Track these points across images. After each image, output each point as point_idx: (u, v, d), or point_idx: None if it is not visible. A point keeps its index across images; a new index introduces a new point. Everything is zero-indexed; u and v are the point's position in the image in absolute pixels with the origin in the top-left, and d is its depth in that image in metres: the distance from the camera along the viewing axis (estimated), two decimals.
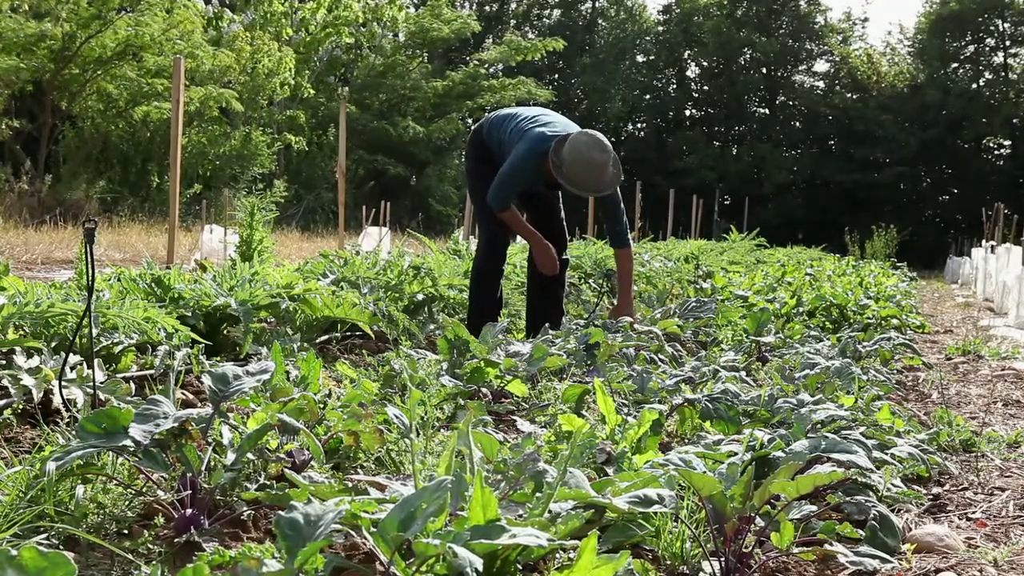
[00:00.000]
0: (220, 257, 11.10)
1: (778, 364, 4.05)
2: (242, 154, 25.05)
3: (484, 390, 3.43)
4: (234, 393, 2.11)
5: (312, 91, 29.47)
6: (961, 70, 44.63)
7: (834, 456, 2.09)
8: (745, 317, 5.23)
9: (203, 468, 1.94)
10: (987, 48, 44.73)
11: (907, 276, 14.98)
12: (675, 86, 48.20)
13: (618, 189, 4.79)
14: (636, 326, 4.76)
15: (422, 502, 1.47)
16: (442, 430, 2.81)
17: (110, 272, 4.21)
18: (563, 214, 5.18)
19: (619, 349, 3.96)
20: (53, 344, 3.16)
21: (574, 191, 4.55)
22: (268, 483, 2.12)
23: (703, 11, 46.28)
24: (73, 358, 2.82)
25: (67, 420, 2.57)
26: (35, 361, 2.82)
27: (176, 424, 1.94)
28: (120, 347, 3.31)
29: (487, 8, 46.70)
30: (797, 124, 46.59)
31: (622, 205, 4.89)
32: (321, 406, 2.55)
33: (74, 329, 3.07)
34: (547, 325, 4.52)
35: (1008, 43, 44.36)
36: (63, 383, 2.65)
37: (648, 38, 47.83)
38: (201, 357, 3.36)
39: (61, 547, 1.77)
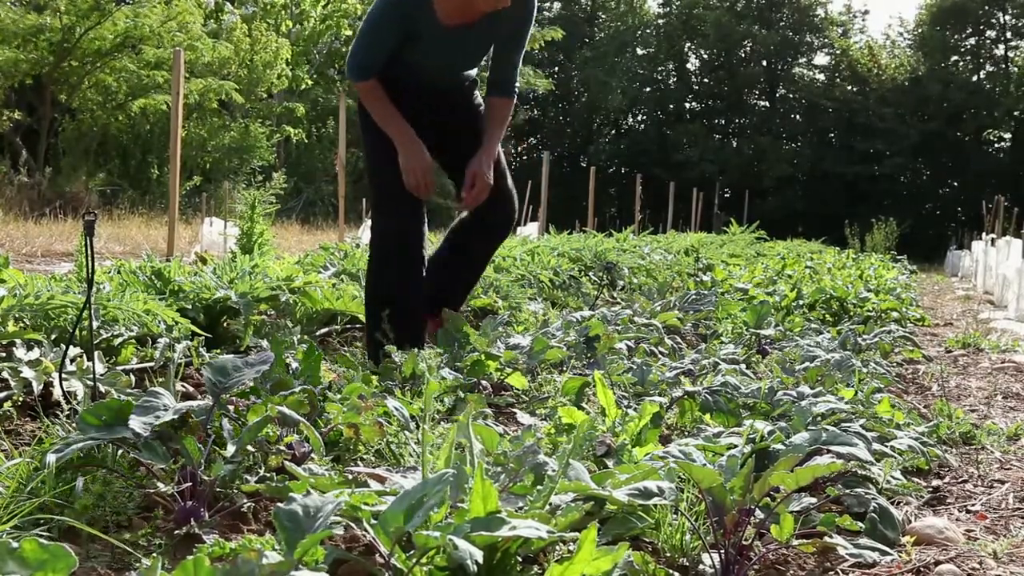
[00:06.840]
0: (220, 250, 11.09)
1: (778, 357, 4.05)
2: (241, 146, 25.03)
3: (484, 383, 3.43)
4: (234, 385, 2.11)
5: (311, 83, 29.44)
6: (962, 63, 44.63)
7: (834, 448, 2.09)
8: (745, 310, 5.22)
9: (203, 460, 1.94)
10: (988, 40, 44.73)
11: (907, 269, 14.98)
12: (675, 79, 48.18)
13: (530, 29, 3.75)
14: (636, 319, 4.76)
15: (423, 495, 1.47)
16: (442, 423, 2.81)
17: (110, 264, 4.21)
18: (504, 166, 3.88)
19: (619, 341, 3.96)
20: (53, 336, 3.16)
21: None
22: (268, 475, 2.12)
23: (703, 3, 46.26)
24: (73, 350, 2.81)
25: (67, 412, 2.56)
26: (35, 353, 2.82)
27: (176, 416, 1.94)
28: (120, 339, 3.31)
29: None
30: (797, 117, 46.61)
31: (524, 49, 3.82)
32: (321, 398, 2.55)
33: (74, 321, 3.07)
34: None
35: (1009, 35, 44.36)
36: (63, 375, 2.65)
37: (648, 30, 47.84)
38: (201, 349, 3.36)
39: (61, 539, 1.77)
